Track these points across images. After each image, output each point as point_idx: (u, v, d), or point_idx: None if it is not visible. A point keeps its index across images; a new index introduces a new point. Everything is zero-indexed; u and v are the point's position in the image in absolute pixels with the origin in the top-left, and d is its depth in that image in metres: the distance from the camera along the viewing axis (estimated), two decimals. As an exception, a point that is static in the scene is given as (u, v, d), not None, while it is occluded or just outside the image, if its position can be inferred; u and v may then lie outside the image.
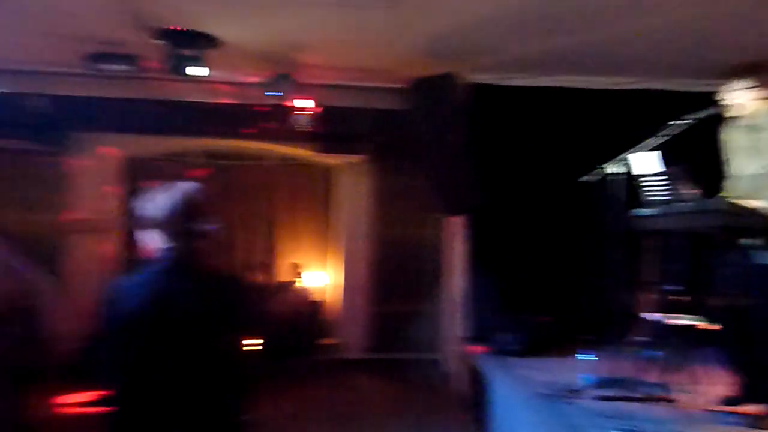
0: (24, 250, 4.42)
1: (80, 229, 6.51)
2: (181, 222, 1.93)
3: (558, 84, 5.44)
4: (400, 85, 5.44)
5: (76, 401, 5.42)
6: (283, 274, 7.08)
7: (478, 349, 4.99)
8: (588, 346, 4.06)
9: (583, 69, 5.32)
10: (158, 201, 1.96)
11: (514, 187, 5.34)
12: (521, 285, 5.21)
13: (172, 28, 4.45)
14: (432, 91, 5.09)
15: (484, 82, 5.45)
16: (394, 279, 7.04)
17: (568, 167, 4.86)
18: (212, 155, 7.47)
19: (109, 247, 6.92)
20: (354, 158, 6.70)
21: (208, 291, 1.95)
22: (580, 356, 3.77)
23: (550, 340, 4.96)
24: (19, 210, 6.27)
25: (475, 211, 5.37)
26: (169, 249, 1.94)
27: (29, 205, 6.51)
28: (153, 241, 1.98)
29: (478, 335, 5.19)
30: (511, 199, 5.32)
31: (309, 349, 6.29)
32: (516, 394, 3.76)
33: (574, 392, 3.52)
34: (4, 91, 6.08)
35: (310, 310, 6.75)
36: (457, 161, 5.13)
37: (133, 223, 2.01)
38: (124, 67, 4.74)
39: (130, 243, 7.15)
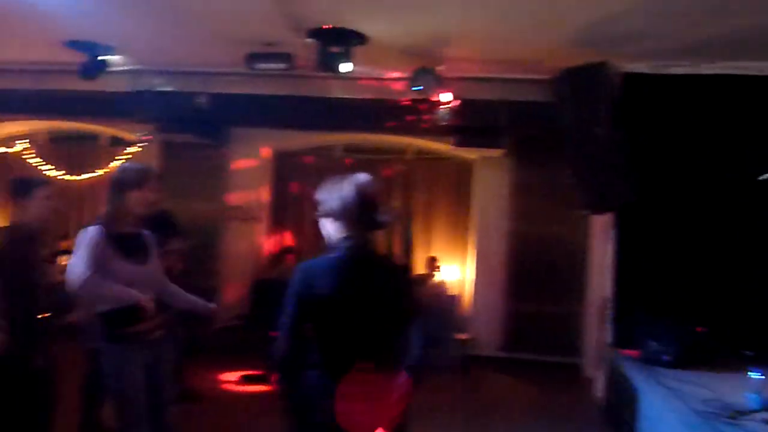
0: (189, 235, 4.84)
1: (235, 216, 7.03)
2: (360, 213, 2.04)
3: (725, 71, 4.93)
4: (544, 77, 5.24)
5: (236, 378, 5.86)
6: (420, 268, 7.14)
7: (625, 356, 4.69)
8: (754, 362, 3.65)
9: (758, 54, 4.77)
10: (337, 193, 2.09)
11: (670, 184, 4.94)
12: (675, 290, 4.81)
13: (323, 27, 4.62)
14: (581, 82, 4.83)
15: (637, 71, 5.09)
16: (533, 277, 6.83)
17: (737, 163, 4.43)
18: (353, 149, 7.71)
19: (259, 232, 7.43)
20: (494, 152, 6.57)
21: (385, 277, 2.09)
22: (750, 373, 3.39)
23: (707, 353, 4.53)
24: (184, 198, 6.89)
25: (624, 208, 5.03)
26: (348, 238, 2.06)
27: (193, 193, 7.13)
28: (333, 231, 2.09)
29: (625, 342, 4.87)
30: (666, 196, 4.93)
31: (443, 342, 6.29)
32: (669, 409, 3.47)
33: (739, 413, 3.18)
34: (173, 90, 6.71)
35: (446, 303, 6.74)
36: (606, 155, 4.83)
37: (315, 213, 2.13)
38: (278, 66, 5.01)
39: (278, 230, 7.62)
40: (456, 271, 7.35)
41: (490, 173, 7.08)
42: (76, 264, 2.57)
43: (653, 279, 4.93)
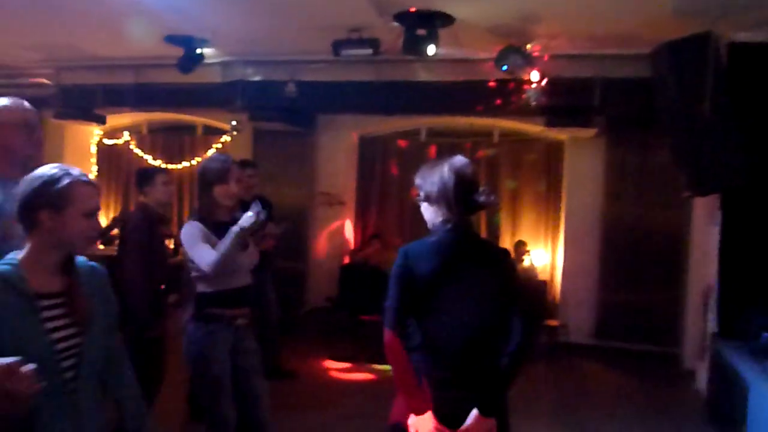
0: (281, 220, 4.99)
1: (323, 202, 7.17)
2: (458, 195, 2.03)
3: None
4: (641, 51, 4.96)
5: (325, 358, 6.01)
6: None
7: (733, 348, 4.40)
8: None
9: None
10: (435, 177, 2.08)
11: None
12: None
13: (409, 10, 4.58)
14: (683, 55, 4.52)
15: (746, 41, 4.71)
16: (628, 263, 6.52)
17: None
18: (438, 133, 7.65)
19: (346, 217, 7.55)
20: (586, 132, 6.29)
21: (486, 261, 2.06)
22: None
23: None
24: (275, 184, 7.10)
25: (731, 189, 4.70)
26: (447, 221, 2.06)
27: (283, 179, 7.34)
28: (432, 214, 2.11)
29: (731, 332, 4.58)
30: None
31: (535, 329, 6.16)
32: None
33: None
34: (262, 79, 6.91)
35: (535, 289, 6.59)
36: (711, 133, 4.52)
37: (418, 197, 2.16)
38: (365, 51, 5.01)
39: (364, 214, 7.72)
40: (545, 256, 7.17)
41: (582, 155, 6.81)
42: (201, 255, 2.69)
43: (763, 265, 4.59)
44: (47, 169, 1.55)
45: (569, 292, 6.86)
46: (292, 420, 4.03)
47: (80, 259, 1.64)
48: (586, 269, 6.74)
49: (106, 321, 1.64)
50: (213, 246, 2.70)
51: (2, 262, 1.53)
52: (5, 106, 2.06)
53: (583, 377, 5.91)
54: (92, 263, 1.67)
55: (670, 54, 4.55)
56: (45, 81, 7.51)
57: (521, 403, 4.78)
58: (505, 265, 2.11)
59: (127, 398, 1.74)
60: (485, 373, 2.03)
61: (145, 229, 3.52)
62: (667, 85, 4.65)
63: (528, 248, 6.85)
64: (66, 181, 1.52)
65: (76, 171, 1.57)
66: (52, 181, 1.52)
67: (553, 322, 6.58)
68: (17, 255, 1.54)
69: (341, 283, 6.99)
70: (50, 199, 1.50)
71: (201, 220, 2.78)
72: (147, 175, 3.72)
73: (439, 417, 2.00)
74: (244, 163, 4.65)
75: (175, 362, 3.87)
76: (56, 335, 1.51)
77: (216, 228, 2.76)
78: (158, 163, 8.33)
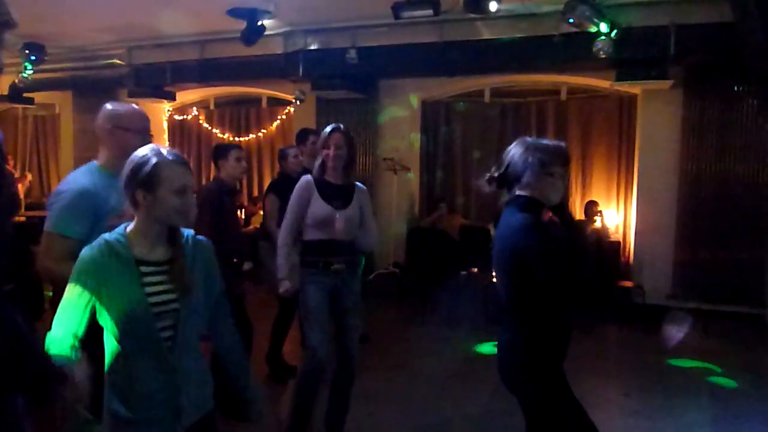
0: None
1: (388, 167, 7.15)
2: (535, 171, 2.09)
3: None
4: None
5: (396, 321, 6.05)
6: (580, 213, 6.81)
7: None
8: None
9: None
10: (506, 155, 2.17)
11: None
12: None
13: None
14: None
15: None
16: (708, 220, 6.20)
17: None
18: (502, 93, 7.45)
19: (411, 182, 7.54)
20: (660, 85, 5.96)
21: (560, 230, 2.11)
22: None
23: None
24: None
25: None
26: (522, 195, 2.12)
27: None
28: (512, 187, 2.18)
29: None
30: None
31: (607, 291, 5.99)
32: None
33: None
34: (323, 47, 6.92)
35: (608, 250, 6.40)
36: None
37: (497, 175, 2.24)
38: (425, 12, 4.92)
39: (430, 179, 7.68)
40: (616, 216, 6.92)
41: (657, 109, 6.45)
42: (285, 224, 3.18)
43: None
44: (140, 152, 1.68)
45: (644, 252, 6.61)
46: (366, 381, 4.11)
47: (188, 232, 1.77)
48: (661, 229, 6.46)
49: (206, 289, 1.77)
50: (310, 200, 3.11)
51: (113, 232, 1.69)
52: (127, 115, 2.31)
53: (661, 339, 5.72)
54: (200, 237, 1.80)
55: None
56: (118, 62, 7.82)
57: (597, 365, 4.72)
58: (575, 233, 2.20)
59: (227, 349, 1.91)
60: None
61: (215, 201, 3.67)
62: (752, 28, 4.33)
63: (599, 208, 6.63)
64: (153, 161, 1.64)
65: (164, 151, 1.68)
66: (142, 163, 1.65)
67: (628, 284, 6.38)
68: (127, 226, 1.70)
69: (408, 249, 7.02)
70: (142, 180, 1.64)
71: (313, 177, 3.18)
72: (221, 150, 3.91)
73: None
74: (308, 132, 4.73)
75: (258, 328, 4.05)
76: (154, 299, 1.66)
77: (324, 186, 3.13)
78: (226, 136, 8.57)
